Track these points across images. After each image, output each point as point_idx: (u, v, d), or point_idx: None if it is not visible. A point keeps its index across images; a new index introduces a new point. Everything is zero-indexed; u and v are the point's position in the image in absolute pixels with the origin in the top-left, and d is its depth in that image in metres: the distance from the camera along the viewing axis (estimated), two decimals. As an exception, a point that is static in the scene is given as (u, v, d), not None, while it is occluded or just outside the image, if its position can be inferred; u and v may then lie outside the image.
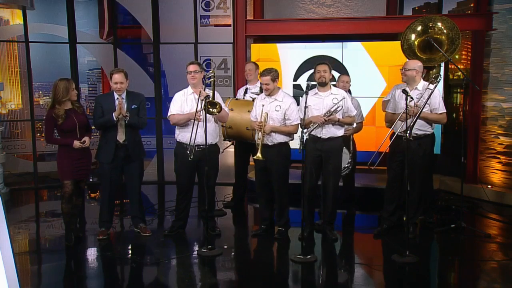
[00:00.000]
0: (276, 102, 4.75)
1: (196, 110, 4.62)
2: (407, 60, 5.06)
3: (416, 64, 4.82)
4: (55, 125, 4.63)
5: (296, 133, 4.76)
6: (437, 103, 4.73)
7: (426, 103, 4.61)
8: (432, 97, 4.65)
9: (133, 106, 4.84)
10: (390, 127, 4.99)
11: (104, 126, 4.81)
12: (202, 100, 4.50)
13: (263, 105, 4.73)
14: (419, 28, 5.27)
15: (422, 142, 4.79)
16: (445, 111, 4.78)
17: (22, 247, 4.91)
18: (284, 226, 4.91)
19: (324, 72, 4.71)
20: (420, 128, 4.73)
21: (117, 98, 4.78)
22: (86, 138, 4.70)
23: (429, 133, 4.84)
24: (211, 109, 4.49)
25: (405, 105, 4.39)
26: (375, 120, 6.42)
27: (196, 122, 4.62)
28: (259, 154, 4.64)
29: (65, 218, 4.78)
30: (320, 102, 4.74)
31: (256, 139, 4.74)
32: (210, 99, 4.53)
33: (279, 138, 4.75)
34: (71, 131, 4.66)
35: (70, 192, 4.70)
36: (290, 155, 4.88)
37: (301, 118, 4.57)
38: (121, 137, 4.81)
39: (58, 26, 7.28)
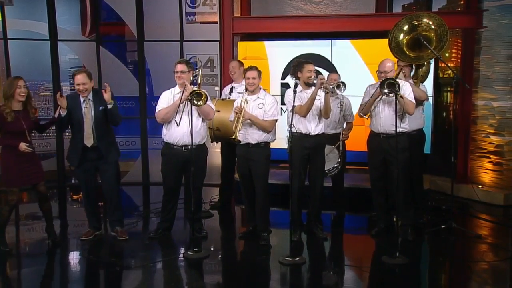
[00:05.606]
0: (259, 100, 4.71)
1: (181, 99, 4.50)
2: (382, 61, 4.91)
3: (393, 65, 4.81)
4: (2, 125, 4.38)
5: (270, 131, 4.70)
6: (407, 92, 4.68)
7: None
8: (403, 86, 4.64)
9: (100, 108, 4.65)
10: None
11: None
12: (188, 95, 4.40)
13: (246, 100, 4.65)
14: (405, 27, 5.20)
15: (400, 140, 4.70)
16: (414, 102, 4.73)
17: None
18: (266, 231, 4.82)
19: (313, 72, 4.69)
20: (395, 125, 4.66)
21: (84, 101, 4.63)
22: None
23: (404, 130, 4.79)
24: (196, 101, 4.36)
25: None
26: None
27: (180, 114, 4.52)
28: (236, 135, 4.51)
29: (3, 221, 4.56)
30: (307, 98, 4.64)
31: (233, 126, 4.60)
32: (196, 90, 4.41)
33: (257, 137, 4.65)
34: (18, 134, 4.41)
35: (17, 200, 4.54)
36: (270, 155, 4.79)
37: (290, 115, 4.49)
38: (89, 141, 4.63)
39: (38, 22, 7.11)
